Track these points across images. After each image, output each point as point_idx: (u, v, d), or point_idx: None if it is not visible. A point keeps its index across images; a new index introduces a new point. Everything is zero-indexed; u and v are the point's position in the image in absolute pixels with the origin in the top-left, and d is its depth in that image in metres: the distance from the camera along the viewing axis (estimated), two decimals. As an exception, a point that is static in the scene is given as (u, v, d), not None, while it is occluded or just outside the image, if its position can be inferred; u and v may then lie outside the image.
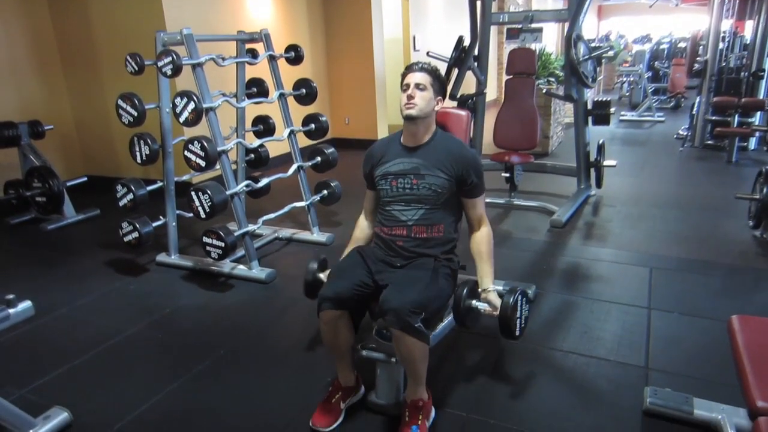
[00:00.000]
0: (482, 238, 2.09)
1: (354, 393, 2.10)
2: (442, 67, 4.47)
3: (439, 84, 2.06)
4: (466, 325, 2.01)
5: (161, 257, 3.62)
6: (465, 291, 1.97)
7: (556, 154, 6.56)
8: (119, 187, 3.39)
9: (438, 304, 1.95)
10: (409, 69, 2.05)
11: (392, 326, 1.76)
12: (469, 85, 4.72)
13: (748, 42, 6.25)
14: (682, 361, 2.34)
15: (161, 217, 3.55)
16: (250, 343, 2.63)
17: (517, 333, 1.99)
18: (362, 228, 2.28)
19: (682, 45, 11.15)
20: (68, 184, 4.55)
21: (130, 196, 3.36)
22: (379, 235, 2.13)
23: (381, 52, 7.17)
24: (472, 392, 2.18)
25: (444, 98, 2.12)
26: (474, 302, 2.00)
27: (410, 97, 1.99)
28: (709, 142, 6.60)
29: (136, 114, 3.28)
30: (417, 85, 1.99)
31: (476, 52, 4.67)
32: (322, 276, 2.14)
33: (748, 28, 6.37)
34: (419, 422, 1.89)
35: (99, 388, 2.30)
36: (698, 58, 6.94)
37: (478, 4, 4.66)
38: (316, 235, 3.92)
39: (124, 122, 3.33)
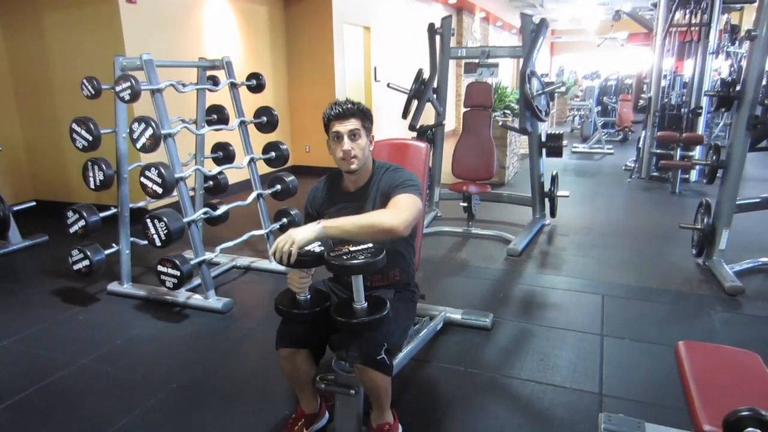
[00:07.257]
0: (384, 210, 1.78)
1: (318, 420, 2.07)
2: (403, 99, 4.59)
3: (369, 120, 1.89)
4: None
5: (113, 286, 3.49)
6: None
7: (512, 184, 6.75)
8: (70, 213, 3.27)
9: (398, 335, 1.96)
10: (335, 115, 1.82)
11: (355, 361, 1.76)
12: (428, 116, 4.83)
13: (687, 81, 6.64)
14: (634, 386, 2.41)
15: (114, 245, 3.44)
16: (205, 375, 2.56)
17: None
18: None
19: (628, 81, 11.74)
20: (15, 208, 4.37)
21: (82, 223, 3.25)
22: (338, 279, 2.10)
23: (342, 81, 7.26)
24: (433, 423, 2.17)
25: (371, 130, 1.94)
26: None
27: (347, 152, 1.81)
28: (655, 173, 6.93)
29: (90, 138, 3.21)
30: (351, 135, 1.82)
31: (435, 85, 4.80)
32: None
33: (688, 68, 6.77)
34: None
35: (41, 428, 2.18)
36: (643, 95, 7.32)
37: (438, 38, 4.82)
38: (275, 264, 3.86)
39: (78, 147, 3.25)
